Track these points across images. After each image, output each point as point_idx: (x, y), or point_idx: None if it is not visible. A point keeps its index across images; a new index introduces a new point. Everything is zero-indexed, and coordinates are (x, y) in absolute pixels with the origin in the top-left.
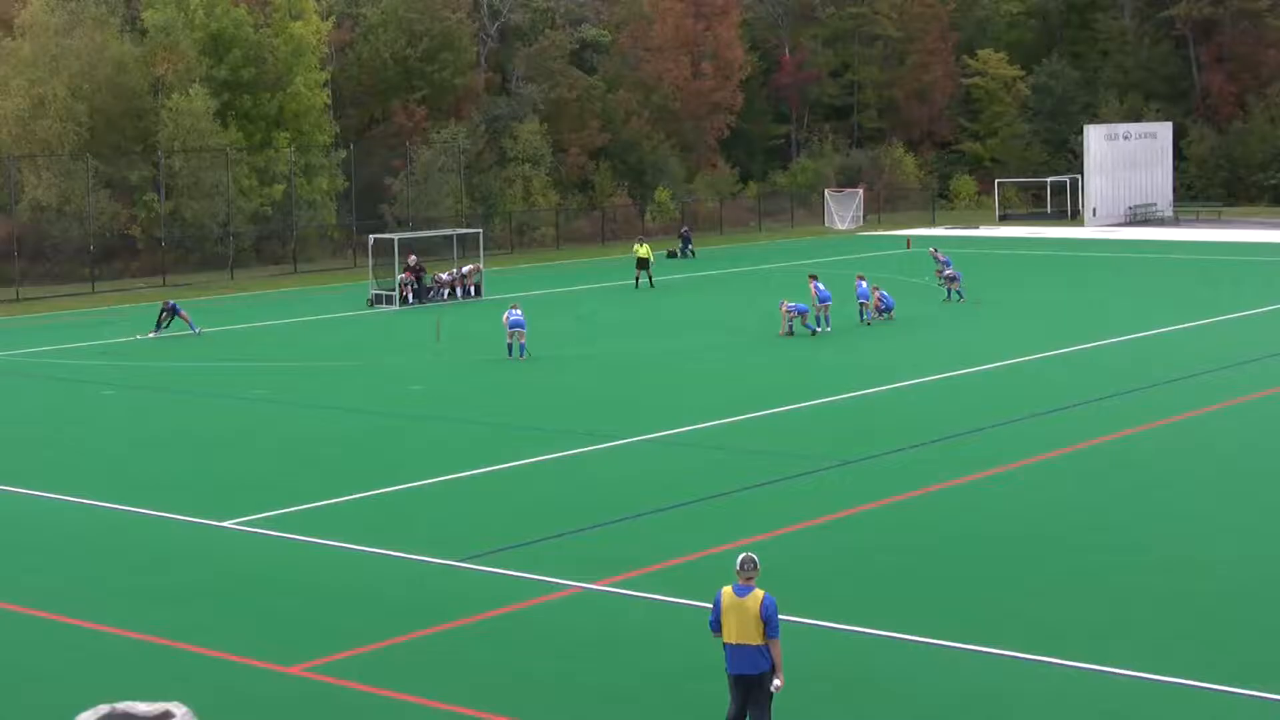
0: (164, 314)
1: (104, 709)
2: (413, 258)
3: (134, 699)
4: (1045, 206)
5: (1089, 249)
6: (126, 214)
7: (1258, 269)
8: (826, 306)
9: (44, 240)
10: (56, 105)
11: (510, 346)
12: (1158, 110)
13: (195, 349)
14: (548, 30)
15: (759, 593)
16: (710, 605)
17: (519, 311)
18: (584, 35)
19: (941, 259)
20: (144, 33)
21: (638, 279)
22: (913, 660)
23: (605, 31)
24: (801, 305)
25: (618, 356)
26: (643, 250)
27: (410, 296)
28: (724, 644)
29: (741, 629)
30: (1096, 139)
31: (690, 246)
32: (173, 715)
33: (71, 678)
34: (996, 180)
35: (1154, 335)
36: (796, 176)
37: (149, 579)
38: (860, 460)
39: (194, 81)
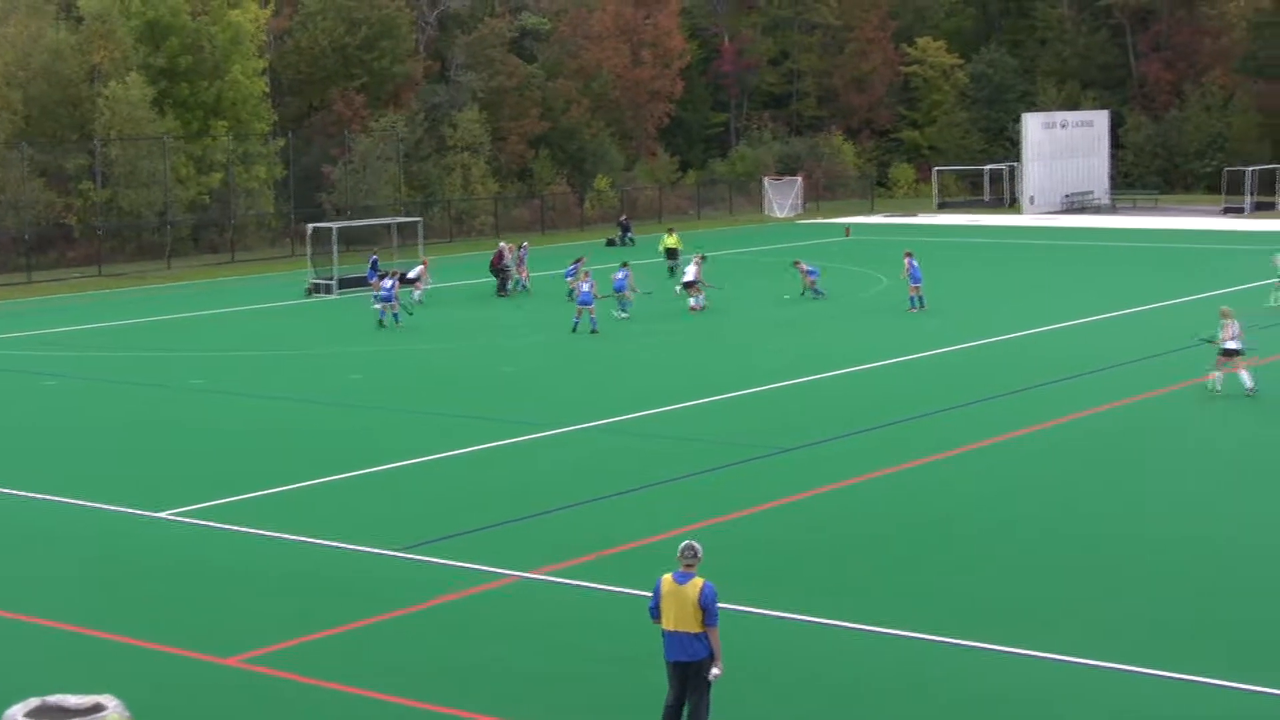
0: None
1: (35, 701)
2: (503, 244)
3: (65, 691)
4: (983, 194)
5: (1027, 236)
6: (62, 203)
7: (1193, 256)
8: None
9: None
10: None
11: (382, 318)
12: (1095, 98)
13: (133, 339)
14: (487, 18)
15: (699, 580)
16: (650, 593)
17: (389, 283)
18: (523, 23)
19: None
20: (80, 20)
21: (672, 269)
22: (857, 647)
23: (545, 19)
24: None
25: (557, 345)
26: (671, 239)
27: (502, 288)
28: (663, 631)
29: (680, 616)
30: (1034, 127)
31: (629, 234)
32: (104, 707)
33: (1, 670)
34: (935, 168)
35: (1090, 323)
36: (735, 164)
37: (83, 570)
38: (801, 447)
39: (131, 69)
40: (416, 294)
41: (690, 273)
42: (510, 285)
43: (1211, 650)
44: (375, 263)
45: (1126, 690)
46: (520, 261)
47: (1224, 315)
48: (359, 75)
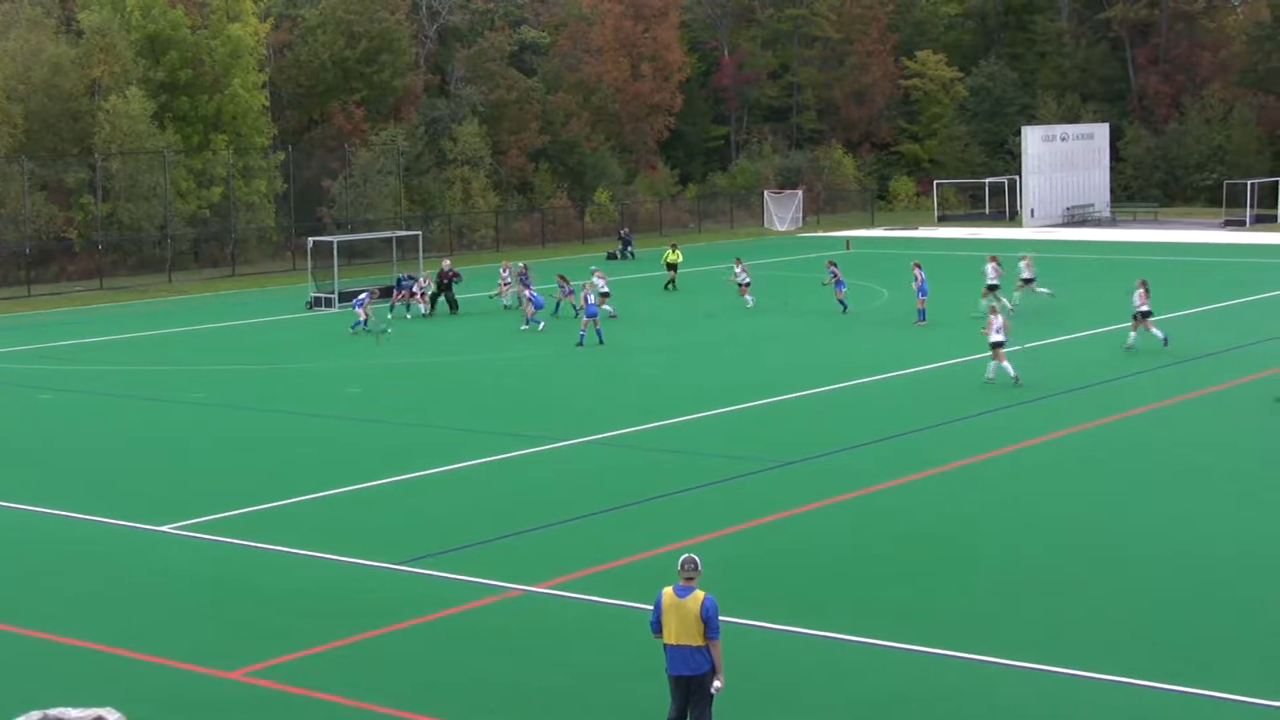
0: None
1: (36, 715)
2: (446, 263)
3: (67, 705)
4: (984, 207)
5: (1027, 250)
6: (63, 217)
7: (1195, 269)
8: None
9: None
10: None
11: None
12: (1094, 111)
13: (134, 352)
14: (487, 32)
15: (700, 594)
16: (651, 606)
17: (363, 295)
18: (523, 37)
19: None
20: (80, 34)
21: (668, 283)
22: (854, 660)
23: (544, 33)
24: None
25: (556, 359)
26: (673, 255)
27: (433, 307)
28: (664, 645)
29: (682, 630)
30: (1034, 140)
31: (630, 248)
32: None
33: (4, 683)
34: (935, 181)
35: (1090, 336)
36: (736, 178)
37: (84, 584)
38: (802, 461)
39: (131, 83)
40: (423, 307)
41: (601, 284)
42: (506, 302)
43: (1242, 668)
44: (401, 280)
45: (1135, 705)
46: (523, 280)
47: (991, 311)
48: (359, 89)
